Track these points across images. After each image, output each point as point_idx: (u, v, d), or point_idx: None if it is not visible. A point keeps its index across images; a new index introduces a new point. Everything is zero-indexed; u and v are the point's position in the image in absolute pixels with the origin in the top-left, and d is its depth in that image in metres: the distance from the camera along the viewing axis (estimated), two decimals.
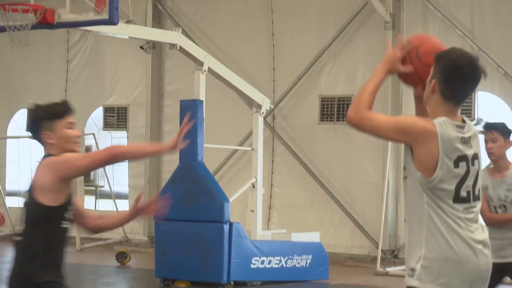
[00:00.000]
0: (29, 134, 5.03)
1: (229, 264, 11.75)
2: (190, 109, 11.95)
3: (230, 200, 12.07)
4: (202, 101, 11.99)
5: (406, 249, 4.28)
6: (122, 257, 15.05)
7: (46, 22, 10.86)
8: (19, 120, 20.02)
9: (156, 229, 12.29)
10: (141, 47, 17.24)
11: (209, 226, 11.75)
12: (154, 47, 17.42)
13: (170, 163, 17.23)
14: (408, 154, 4.22)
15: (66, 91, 19.09)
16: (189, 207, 11.84)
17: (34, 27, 10.93)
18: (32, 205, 4.84)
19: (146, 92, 17.80)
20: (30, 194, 4.81)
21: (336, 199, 15.77)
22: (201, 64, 11.96)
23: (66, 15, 10.83)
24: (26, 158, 20.02)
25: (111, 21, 10.41)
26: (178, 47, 11.58)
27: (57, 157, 4.85)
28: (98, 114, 18.75)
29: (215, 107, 15.22)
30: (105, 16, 10.51)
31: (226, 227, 11.70)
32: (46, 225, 4.84)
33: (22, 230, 4.90)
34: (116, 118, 18.40)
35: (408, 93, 14.95)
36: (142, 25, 16.34)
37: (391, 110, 14.80)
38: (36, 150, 19.55)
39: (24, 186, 20.00)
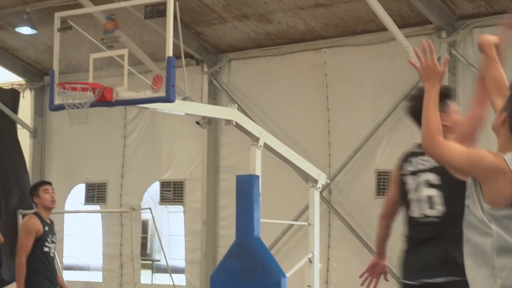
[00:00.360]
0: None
1: None
2: (246, 184, 11.97)
3: (287, 275, 11.96)
4: (258, 176, 11.98)
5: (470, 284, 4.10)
6: None
7: (104, 100, 10.99)
8: (77, 194, 20.27)
9: None
10: (197, 122, 17.41)
11: None
12: (210, 122, 17.59)
13: (226, 238, 17.23)
14: (476, 187, 4.11)
15: (123, 166, 19.30)
16: (246, 283, 11.76)
17: (92, 105, 11.08)
18: None
19: (202, 166, 17.88)
20: None
21: (394, 274, 15.53)
22: (256, 139, 11.98)
23: (124, 93, 10.95)
24: (83, 232, 20.24)
25: (168, 99, 10.50)
26: (234, 123, 11.64)
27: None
28: (154, 189, 18.88)
29: (270, 181, 15.23)
30: (162, 93, 10.62)
31: None
32: None
33: None
34: (172, 192, 18.50)
35: None
36: (198, 100, 16.54)
37: None
38: (93, 224, 19.82)
39: (82, 260, 20.14)
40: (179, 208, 18.51)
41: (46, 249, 10.52)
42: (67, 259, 20.45)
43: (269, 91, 17.38)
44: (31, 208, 19.36)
